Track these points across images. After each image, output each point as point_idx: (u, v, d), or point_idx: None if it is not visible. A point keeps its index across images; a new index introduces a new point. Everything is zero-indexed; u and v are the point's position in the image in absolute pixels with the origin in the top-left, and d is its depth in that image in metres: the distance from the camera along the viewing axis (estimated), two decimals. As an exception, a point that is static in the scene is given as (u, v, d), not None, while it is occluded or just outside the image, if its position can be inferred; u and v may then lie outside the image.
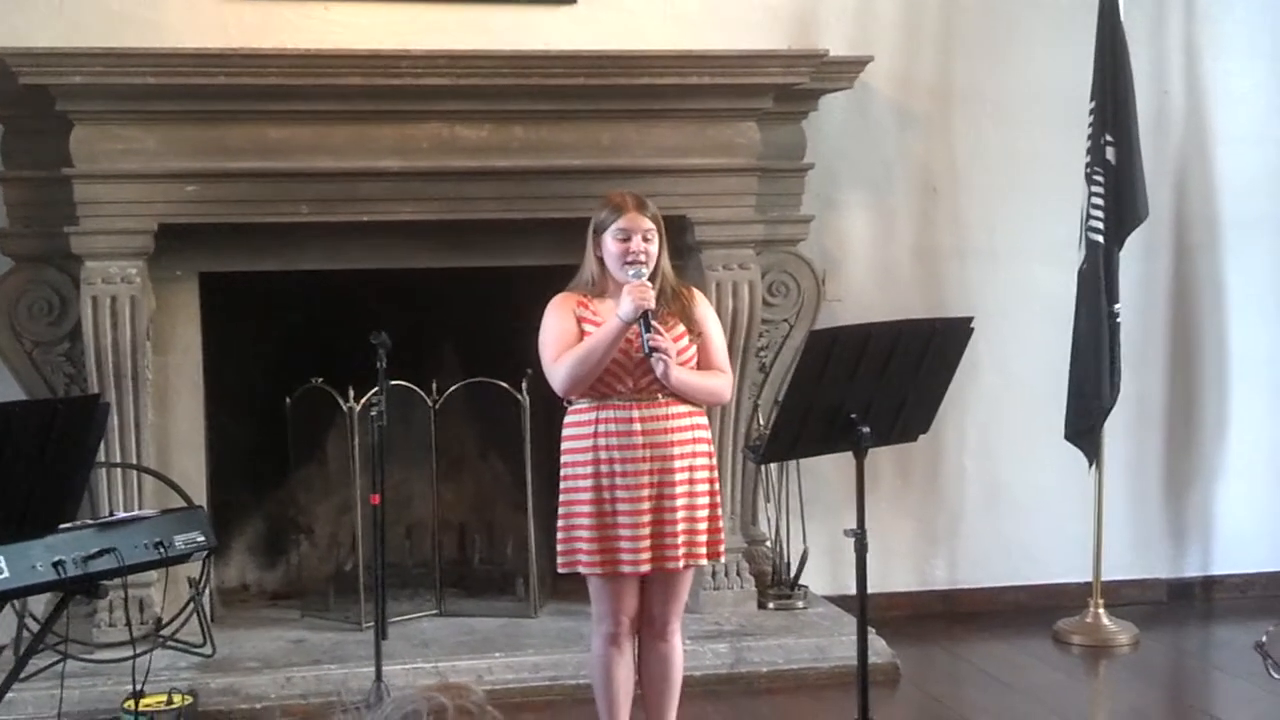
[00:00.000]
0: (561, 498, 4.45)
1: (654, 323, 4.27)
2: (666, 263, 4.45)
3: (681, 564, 4.40)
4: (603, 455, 4.35)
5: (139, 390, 5.55)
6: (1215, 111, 6.71)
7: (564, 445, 4.45)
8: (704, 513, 4.43)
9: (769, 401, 5.94)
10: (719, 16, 6.17)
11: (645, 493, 4.34)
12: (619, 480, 4.34)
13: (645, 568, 4.35)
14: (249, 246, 5.78)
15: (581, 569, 4.41)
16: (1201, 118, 6.71)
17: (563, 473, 4.45)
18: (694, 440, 4.42)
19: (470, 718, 1.30)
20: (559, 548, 4.46)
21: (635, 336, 4.28)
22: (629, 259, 4.31)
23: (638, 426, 4.34)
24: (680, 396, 4.39)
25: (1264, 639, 4.19)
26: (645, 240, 4.34)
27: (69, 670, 5.03)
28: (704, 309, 4.56)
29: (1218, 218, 6.75)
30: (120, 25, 5.68)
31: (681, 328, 4.41)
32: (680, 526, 4.36)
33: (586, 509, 4.36)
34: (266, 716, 5.27)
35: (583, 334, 4.35)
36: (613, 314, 4.30)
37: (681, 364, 4.37)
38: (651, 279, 4.34)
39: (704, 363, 4.46)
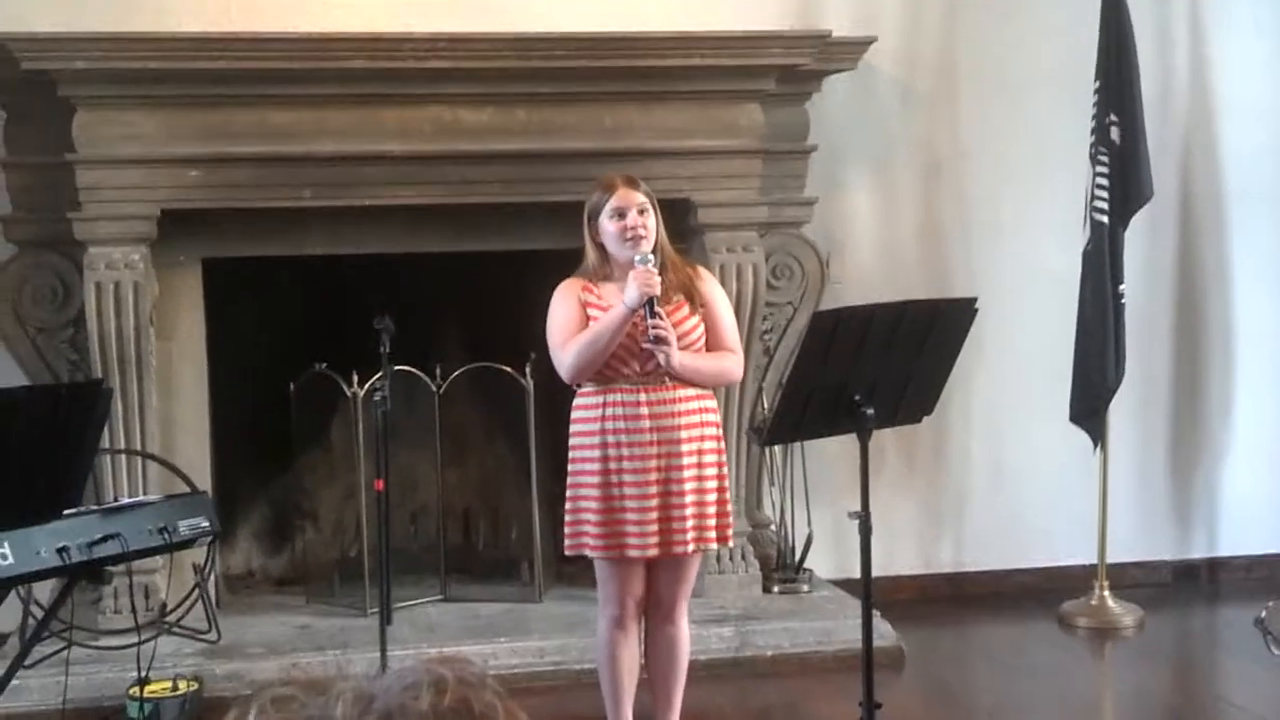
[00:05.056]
0: (569, 480, 4.45)
1: (659, 309, 4.26)
2: (664, 238, 4.44)
3: (690, 548, 4.39)
4: (610, 439, 4.34)
5: (143, 376, 5.54)
6: (1220, 89, 6.68)
7: (572, 429, 4.45)
8: (713, 496, 4.42)
9: (773, 384, 5.92)
10: (722, -2, 6.16)
11: (653, 476, 4.33)
12: (626, 464, 4.33)
13: (652, 552, 4.35)
14: (252, 231, 5.76)
15: (588, 552, 4.41)
16: (1206, 95, 6.68)
17: (570, 456, 4.45)
18: (702, 424, 4.41)
19: (470, 689, 1.29)
20: (566, 530, 4.46)
21: (641, 321, 4.27)
22: (628, 235, 4.31)
23: (644, 410, 4.33)
24: (687, 380, 4.38)
25: (1264, 614, 4.18)
26: (640, 214, 4.33)
27: (74, 657, 5.04)
28: (712, 288, 4.55)
29: (1223, 195, 6.73)
30: (122, 9, 5.66)
31: (686, 305, 4.40)
32: (689, 511, 4.36)
33: (594, 493, 4.35)
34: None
35: (588, 319, 4.34)
36: (617, 297, 4.29)
37: (689, 344, 4.36)
38: (655, 260, 4.33)
39: (713, 343, 4.45)
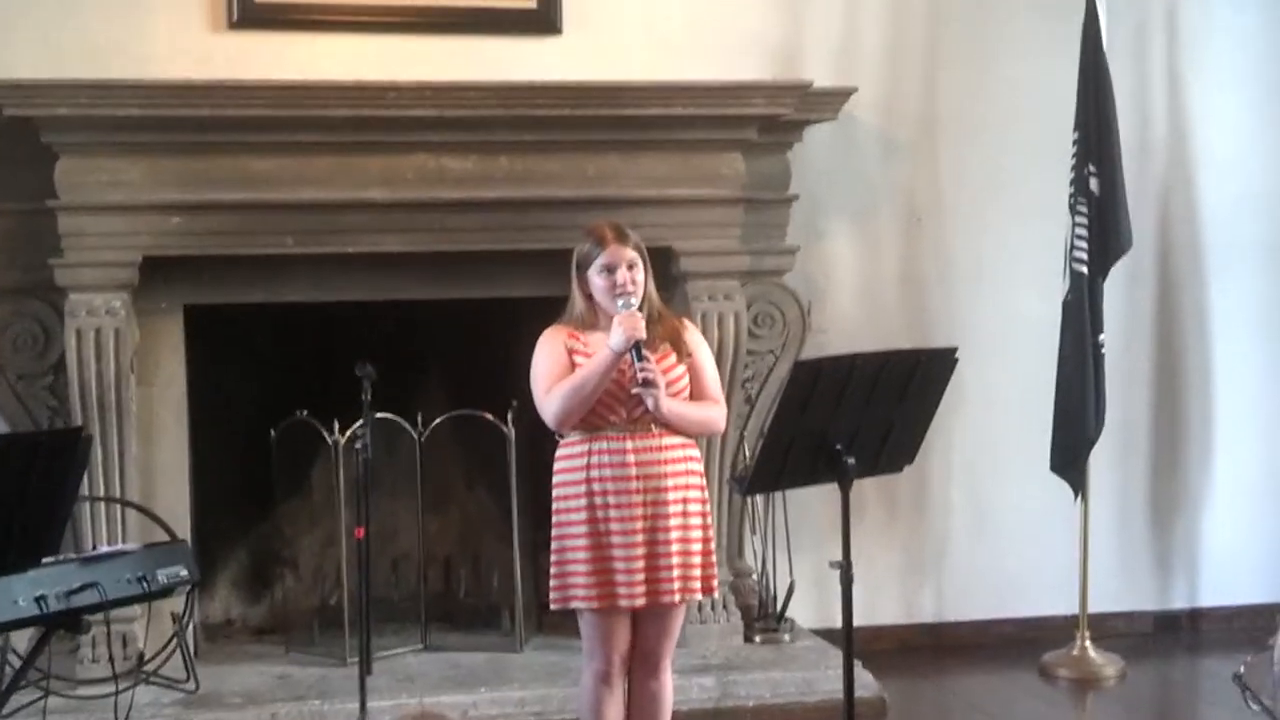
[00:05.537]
0: (554, 532, 4.42)
1: (645, 353, 4.26)
2: (653, 288, 4.44)
3: (677, 598, 4.37)
4: (595, 488, 4.32)
5: (123, 423, 5.52)
6: (1198, 139, 6.73)
7: (556, 479, 4.42)
8: (697, 546, 4.40)
9: (755, 433, 5.92)
10: (704, 48, 6.19)
11: (639, 525, 4.30)
12: (612, 513, 4.30)
13: (640, 601, 4.32)
14: (234, 278, 5.76)
15: (577, 603, 4.36)
16: (1184, 145, 6.72)
17: (555, 506, 4.42)
18: (687, 472, 4.40)
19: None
20: (551, 584, 4.42)
21: (628, 367, 4.26)
22: (618, 292, 4.31)
23: (631, 458, 4.32)
24: (673, 428, 4.37)
25: (1242, 670, 4.18)
26: (630, 269, 4.33)
27: (51, 706, 5.02)
28: (696, 339, 4.54)
29: (1201, 245, 6.76)
30: (105, 57, 5.67)
31: (673, 354, 4.40)
32: (675, 560, 4.33)
33: (581, 543, 4.32)
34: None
35: (574, 366, 4.33)
36: (604, 345, 4.28)
37: (675, 393, 4.36)
38: (640, 306, 4.34)
39: (696, 393, 4.44)
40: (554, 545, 4.41)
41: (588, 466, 4.33)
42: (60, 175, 5.42)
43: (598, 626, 4.39)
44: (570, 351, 4.36)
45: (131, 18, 5.78)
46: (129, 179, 5.48)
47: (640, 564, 4.30)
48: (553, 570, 4.41)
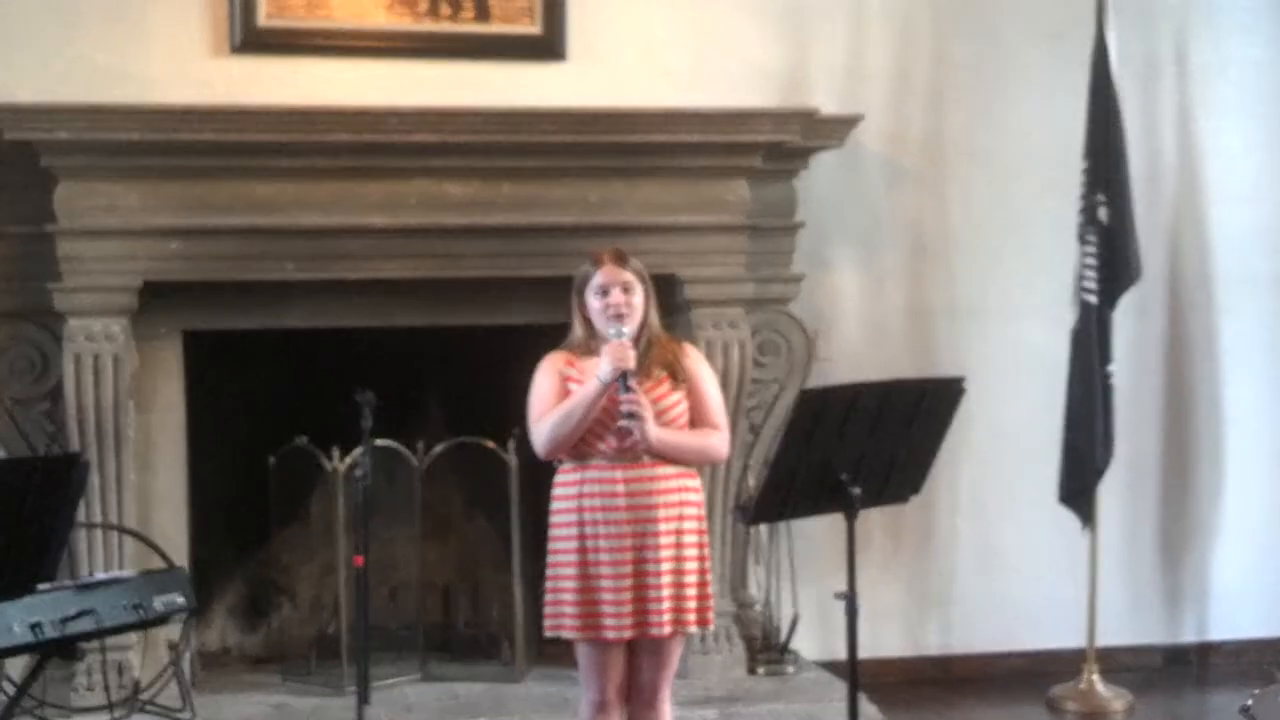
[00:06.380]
0: (548, 559, 4.40)
1: (632, 384, 4.21)
2: (654, 317, 4.41)
3: (668, 630, 4.31)
4: (586, 517, 4.29)
5: (120, 449, 5.49)
6: (1208, 171, 6.71)
7: (551, 506, 4.40)
8: (693, 578, 4.35)
9: (759, 462, 5.88)
10: (709, 74, 6.17)
11: (628, 556, 4.26)
12: (602, 543, 4.27)
13: (628, 633, 4.28)
14: (234, 304, 5.74)
15: (566, 634, 4.34)
16: (1194, 177, 6.70)
17: (550, 534, 4.40)
18: (681, 503, 4.35)
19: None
20: (546, 610, 4.40)
21: (618, 396, 4.22)
22: (611, 313, 4.28)
23: (621, 488, 4.28)
24: (667, 458, 4.33)
25: (1250, 703, 4.13)
26: (625, 292, 4.31)
27: (45, 735, 4.98)
28: (698, 365, 4.50)
29: (1211, 277, 6.74)
30: (106, 81, 5.66)
31: (668, 381, 4.36)
32: (666, 592, 4.29)
33: (571, 572, 4.30)
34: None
35: (567, 393, 4.31)
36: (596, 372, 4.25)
37: (671, 421, 4.32)
38: (638, 334, 4.31)
39: (697, 419, 4.40)
40: (548, 573, 4.39)
41: (579, 495, 4.31)
42: (59, 199, 5.40)
43: (591, 657, 4.36)
44: (565, 378, 4.34)
45: (132, 42, 5.77)
46: (128, 203, 5.46)
47: (629, 595, 4.26)
48: (547, 598, 4.39)
